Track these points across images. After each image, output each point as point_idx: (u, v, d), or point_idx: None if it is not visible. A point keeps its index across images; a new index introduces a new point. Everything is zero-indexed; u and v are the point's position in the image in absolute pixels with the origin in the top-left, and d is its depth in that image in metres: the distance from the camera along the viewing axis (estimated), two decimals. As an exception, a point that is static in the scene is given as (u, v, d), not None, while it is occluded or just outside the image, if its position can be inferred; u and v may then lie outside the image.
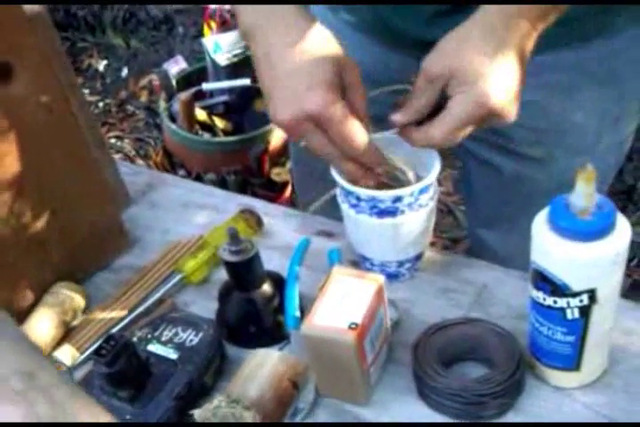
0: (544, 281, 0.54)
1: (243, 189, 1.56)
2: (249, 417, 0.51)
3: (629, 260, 1.60)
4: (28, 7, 0.63)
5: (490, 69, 0.58)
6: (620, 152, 0.86)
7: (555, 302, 0.55)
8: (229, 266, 0.67)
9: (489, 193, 0.89)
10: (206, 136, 1.58)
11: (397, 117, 0.63)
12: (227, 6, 1.85)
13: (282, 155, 1.60)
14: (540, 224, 0.53)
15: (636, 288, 1.51)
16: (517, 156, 0.82)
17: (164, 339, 0.67)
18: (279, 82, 0.61)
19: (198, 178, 1.57)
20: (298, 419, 0.63)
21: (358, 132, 0.61)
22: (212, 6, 1.80)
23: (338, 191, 0.69)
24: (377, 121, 0.70)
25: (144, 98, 2.22)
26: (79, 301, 0.76)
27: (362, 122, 0.62)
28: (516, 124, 0.79)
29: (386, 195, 0.65)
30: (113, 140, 2.08)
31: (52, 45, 0.68)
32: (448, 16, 0.72)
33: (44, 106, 0.67)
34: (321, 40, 0.62)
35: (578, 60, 0.74)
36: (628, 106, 0.82)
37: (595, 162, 0.80)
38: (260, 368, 0.54)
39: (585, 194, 0.50)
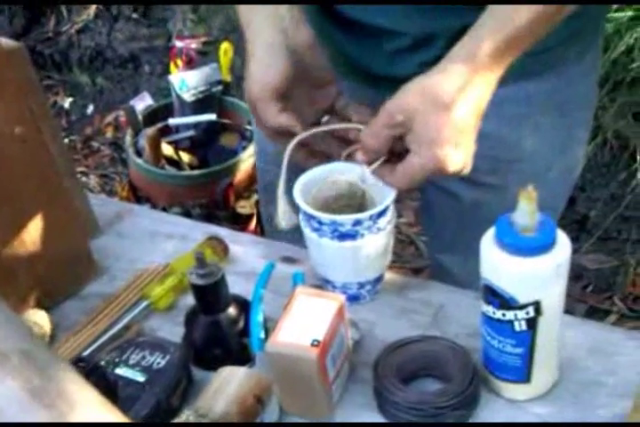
0: (493, 295, 0.58)
1: (208, 221, 1.58)
2: (216, 431, 0.53)
3: (585, 286, 1.65)
4: (4, 42, 0.66)
5: (447, 134, 0.63)
6: (571, 178, 0.91)
7: (503, 314, 0.58)
8: (196, 289, 0.70)
9: (448, 219, 0.93)
10: (172, 170, 1.61)
11: (359, 157, 0.69)
12: (193, 45, 1.91)
13: (247, 188, 1.64)
14: (488, 242, 0.57)
15: (591, 313, 1.57)
16: (474, 183, 0.86)
17: (131, 362, 0.68)
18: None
19: (164, 211, 1.59)
20: (263, 436, 0.65)
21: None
22: (179, 45, 1.85)
23: (300, 216, 0.73)
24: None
25: (109, 134, 2.24)
26: (47, 328, 0.77)
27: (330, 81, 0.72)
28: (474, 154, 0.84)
29: (346, 218, 0.69)
30: (77, 176, 2.10)
31: (27, 79, 0.71)
32: (409, 53, 0.77)
33: (17, 137, 0.69)
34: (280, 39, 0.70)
35: (531, 93, 0.79)
36: (577, 134, 0.87)
37: (546, 188, 0.85)
38: (227, 384, 0.56)
39: (527, 212, 0.54)
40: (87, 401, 0.41)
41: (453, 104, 0.62)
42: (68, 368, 0.43)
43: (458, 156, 0.64)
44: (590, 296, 1.63)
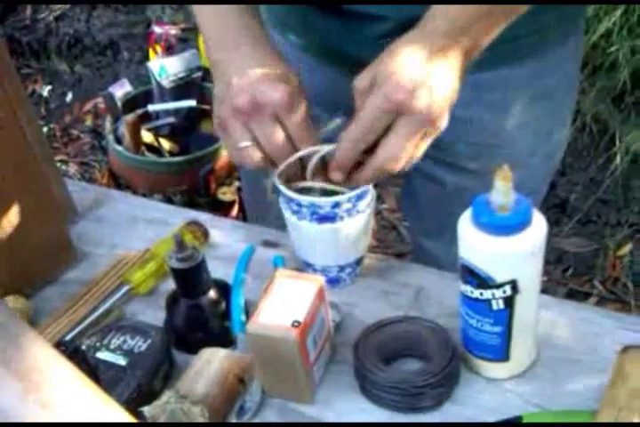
0: (471, 275, 0.59)
1: (189, 208, 1.58)
2: (197, 412, 0.53)
3: (565, 269, 1.67)
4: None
5: (399, 67, 0.59)
6: (553, 162, 0.92)
7: (481, 293, 0.59)
8: (176, 273, 0.69)
9: (433, 205, 0.93)
10: (153, 157, 1.60)
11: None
12: (172, 31, 1.89)
13: (228, 175, 1.64)
14: (465, 221, 0.58)
15: (571, 296, 1.59)
16: (458, 169, 0.86)
17: (112, 346, 0.68)
18: (241, 82, 0.65)
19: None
20: (245, 418, 0.65)
21: (311, 127, 0.66)
22: (158, 31, 1.83)
23: (280, 199, 0.73)
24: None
25: (89, 122, 2.22)
26: (27, 314, 0.76)
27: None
28: (457, 140, 0.83)
29: (325, 201, 0.69)
30: (57, 165, 2.08)
31: (2, 64, 0.70)
32: (392, 37, 0.76)
33: (-8, 121, 0.69)
34: (275, 65, 0.67)
35: (512, 78, 0.79)
36: (560, 118, 0.87)
37: (529, 172, 0.87)
38: (207, 366, 0.57)
39: (503, 192, 0.54)
40: (61, 373, 0.42)
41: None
42: (41, 341, 0.43)
43: (425, 92, 0.59)
44: (570, 279, 1.65)
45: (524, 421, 0.62)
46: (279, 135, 0.65)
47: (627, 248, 1.67)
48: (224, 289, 0.73)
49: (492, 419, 0.64)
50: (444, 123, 0.62)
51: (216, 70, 0.69)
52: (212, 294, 0.72)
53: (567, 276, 1.66)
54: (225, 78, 0.66)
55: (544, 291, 0.64)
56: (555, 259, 1.67)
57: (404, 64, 0.60)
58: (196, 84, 1.68)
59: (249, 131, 0.65)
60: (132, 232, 0.89)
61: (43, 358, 0.42)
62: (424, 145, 0.64)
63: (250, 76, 0.65)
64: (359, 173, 0.66)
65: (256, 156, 0.67)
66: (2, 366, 0.39)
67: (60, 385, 0.41)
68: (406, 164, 0.64)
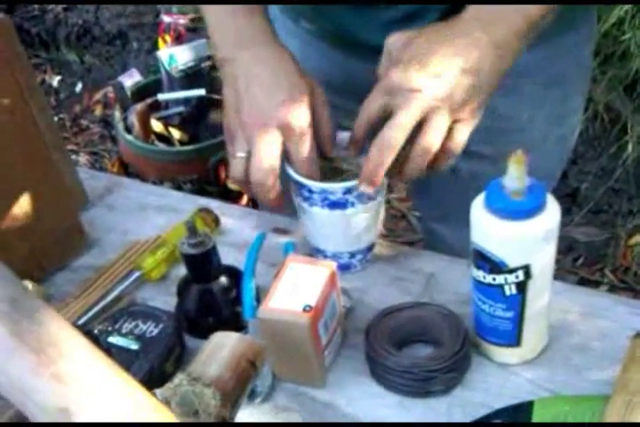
0: (483, 260, 0.58)
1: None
2: (209, 394, 0.53)
3: (575, 259, 1.67)
4: (-11, 13, 0.65)
5: (410, 54, 0.63)
6: (566, 146, 0.92)
7: (494, 279, 0.59)
8: (187, 258, 0.70)
9: (445, 190, 0.93)
10: (162, 146, 1.61)
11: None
12: (181, 21, 1.89)
13: (238, 164, 1.63)
14: (478, 206, 0.57)
15: (582, 285, 1.57)
16: (471, 154, 0.85)
17: (124, 331, 0.69)
18: (253, 94, 0.67)
19: (155, 187, 1.59)
20: (257, 402, 0.66)
21: (312, 154, 0.67)
22: (167, 20, 1.83)
23: (291, 185, 0.73)
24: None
25: (98, 112, 2.23)
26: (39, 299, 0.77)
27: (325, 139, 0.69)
28: None
29: (336, 187, 0.69)
30: (66, 151, 2.08)
31: (12, 49, 0.70)
32: (403, 23, 0.76)
33: (4, 109, 0.69)
34: (289, 68, 0.68)
35: (525, 63, 0.79)
36: (572, 104, 0.87)
37: (542, 157, 0.86)
38: (220, 349, 0.56)
39: (517, 176, 0.54)
40: (76, 347, 0.42)
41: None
42: (56, 315, 0.43)
43: (404, 66, 0.62)
44: (581, 268, 1.65)
45: (536, 406, 0.61)
46: (267, 155, 0.66)
47: (638, 237, 1.66)
48: (235, 275, 0.73)
49: (502, 404, 0.64)
50: (451, 96, 0.63)
51: (225, 70, 0.70)
52: (224, 279, 0.72)
53: (578, 265, 1.65)
54: (236, 85, 0.68)
55: (554, 279, 0.64)
56: (566, 248, 1.67)
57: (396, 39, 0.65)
58: (205, 74, 1.68)
59: (248, 144, 0.67)
60: (143, 219, 0.89)
61: (58, 331, 0.41)
62: (462, 132, 0.65)
63: (261, 88, 0.66)
64: (407, 165, 0.67)
65: (237, 169, 0.68)
66: (16, 337, 0.39)
67: (75, 359, 0.41)
68: (444, 155, 0.65)
